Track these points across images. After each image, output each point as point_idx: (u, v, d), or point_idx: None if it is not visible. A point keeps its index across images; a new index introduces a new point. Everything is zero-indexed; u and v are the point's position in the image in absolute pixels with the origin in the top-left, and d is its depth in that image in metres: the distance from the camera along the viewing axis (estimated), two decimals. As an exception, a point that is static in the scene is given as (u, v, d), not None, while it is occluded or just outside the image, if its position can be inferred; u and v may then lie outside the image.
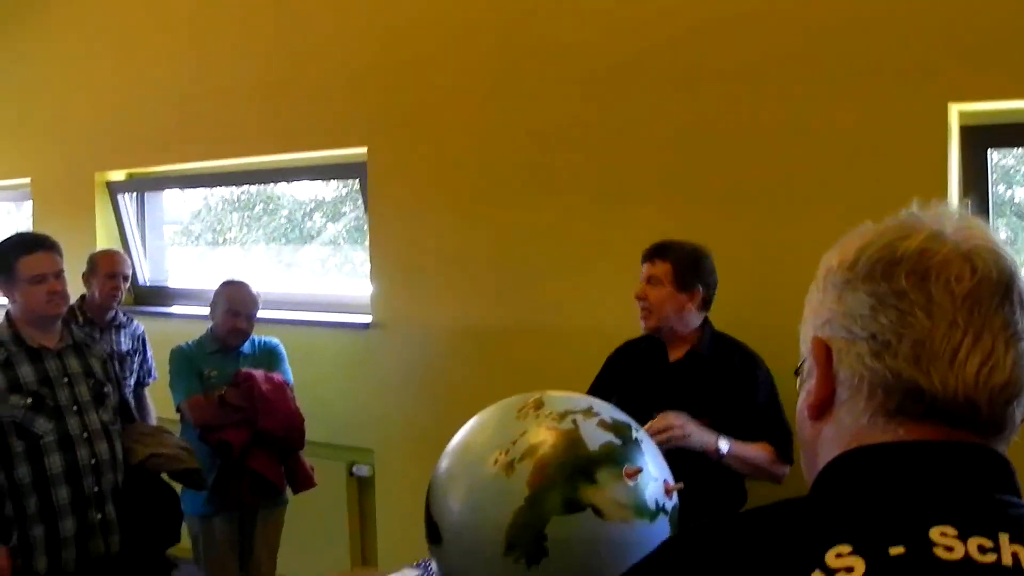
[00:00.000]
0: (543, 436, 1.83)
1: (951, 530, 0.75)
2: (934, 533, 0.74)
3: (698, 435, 2.63)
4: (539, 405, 1.91)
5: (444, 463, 1.98)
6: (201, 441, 3.72)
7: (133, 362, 4.32)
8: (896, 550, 0.74)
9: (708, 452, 2.65)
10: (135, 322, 4.44)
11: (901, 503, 0.79)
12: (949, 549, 0.74)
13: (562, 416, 1.86)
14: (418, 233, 4.22)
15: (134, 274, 5.59)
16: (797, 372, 0.97)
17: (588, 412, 1.89)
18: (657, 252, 2.93)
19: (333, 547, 4.49)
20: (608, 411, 1.94)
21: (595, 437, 1.83)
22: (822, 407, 0.91)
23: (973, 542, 0.74)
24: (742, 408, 2.79)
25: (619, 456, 1.82)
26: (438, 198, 4.14)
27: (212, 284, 4.06)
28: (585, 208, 3.73)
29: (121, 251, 4.64)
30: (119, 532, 3.10)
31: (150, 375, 4.45)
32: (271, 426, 3.74)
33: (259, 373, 3.81)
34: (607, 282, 3.13)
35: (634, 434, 1.91)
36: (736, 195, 3.37)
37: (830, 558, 0.74)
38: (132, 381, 4.28)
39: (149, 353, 4.45)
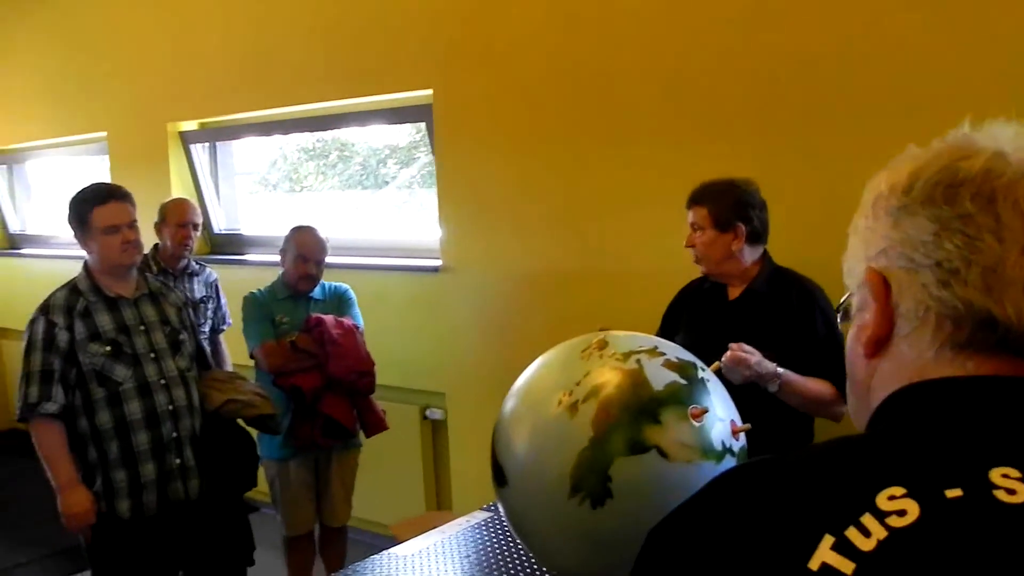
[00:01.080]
0: (607, 376, 1.80)
1: (1014, 472, 0.69)
2: (995, 475, 0.69)
3: (761, 366, 2.59)
4: (603, 345, 1.89)
5: (508, 405, 1.98)
6: (275, 386, 3.77)
7: (207, 309, 4.38)
8: (953, 492, 0.68)
9: (765, 381, 2.60)
10: (207, 269, 4.50)
11: (961, 442, 0.74)
12: (1011, 492, 0.68)
13: (626, 356, 1.84)
14: (485, 176, 4.20)
15: (208, 222, 5.68)
16: (840, 309, 0.93)
17: (653, 352, 1.86)
18: (694, 198, 2.88)
19: (408, 490, 4.55)
20: (673, 351, 1.91)
21: (660, 377, 1.80)
22: (879, 343, 0.85)
23: None
24: (800, 344, 2.72)
25: (685, 396, 1.79)
26: (504, 140, 4.11)
27: (287, 231, 4.07)
28: (652, 149, 3.66)
29: (191, 200, 4.68)
30: (198, 477, 3.18)
31: (224, 322, 4.51)
32: (341, 371, 3.77)
33: (329, 318, 3.84)
34: (673, 224, 3.08)
35: (700, 374, 1.87)
36: (804, 130, 3.28)
37: (882, 500, 0.69)
38: (207, 328, 4.34)
39: (223, 300, 4.51)
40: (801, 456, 0.80)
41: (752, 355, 2.54)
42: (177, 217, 4.26)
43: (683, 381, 1.82)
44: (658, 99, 3.63)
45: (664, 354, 1.87)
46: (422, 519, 3.93)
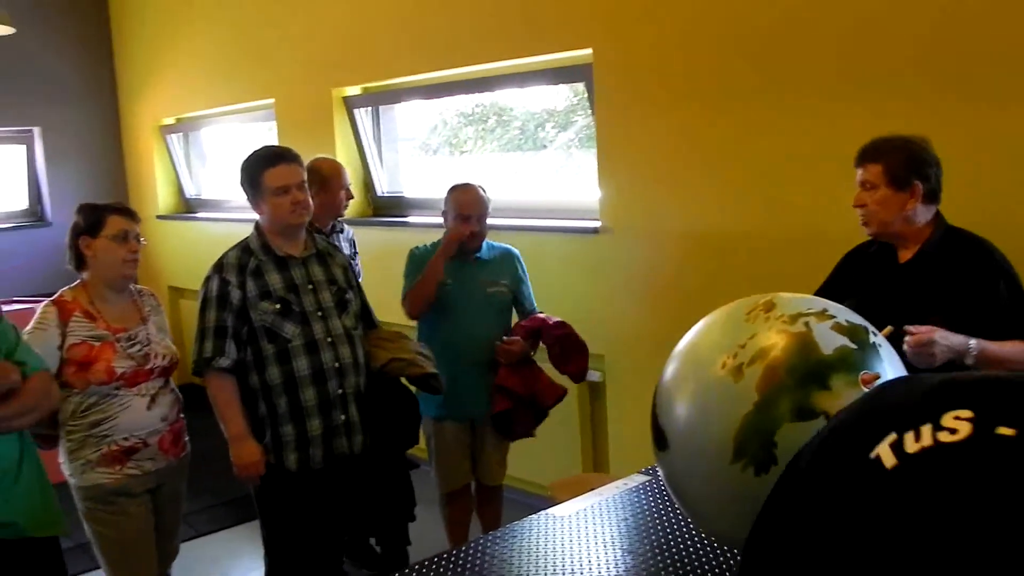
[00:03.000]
0: (773, 339, 1.74)
1: None
2: None
3: (948, 339, 2.46)
4: (769, 307, 1.82)
5: (671, 367, 1.94)
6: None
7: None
8: (1006, 431, 0.76)
9: (958, 356, 2.47)
10: (348, 227, 4.56)
11: None
12: None
13: (794, 318, 1.77)
14: (645, 136, 4.13)
15: (372, 186, 5.80)
16: None
17: (822, 314, 1.79)
18: (866, 155, 2.72)
19: (565, 452, 4.57)
20: (844, 313, 1.83)
21: (829, 340, 1.73)
22: None
23: None
24: (983, 307, 2.57)
25: (855, 361, 1.71)
26: (666, 99, 4.03)
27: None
28: (818, 107, 3.53)
29: (339, 162, 4.76)
30: (362, 433, 3.27)
31: (358, 276, 4.57)
32: (575, 368, 3.89)
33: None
34: (840, 185, 2.96)
35: (872, 338, 1.79)
36: (983, 87, 3.10)
37: (947, 418, 0.78)
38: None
39: (357, 257, 4.58)
40: (926, 376, 0.91)
41: (932, 331, 2.43)
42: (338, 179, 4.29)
43: (854, 345, 1.74)
44: (829, 54, 3.49)
45: (834, 317, 1.79)
46: (578, 480, 3.94)
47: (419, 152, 6.28)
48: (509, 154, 5.86)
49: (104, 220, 3.13)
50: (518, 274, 4.01)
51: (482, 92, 5.37)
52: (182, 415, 3.37)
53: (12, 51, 7.32)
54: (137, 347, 3.15)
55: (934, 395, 0.83)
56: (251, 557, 4.55)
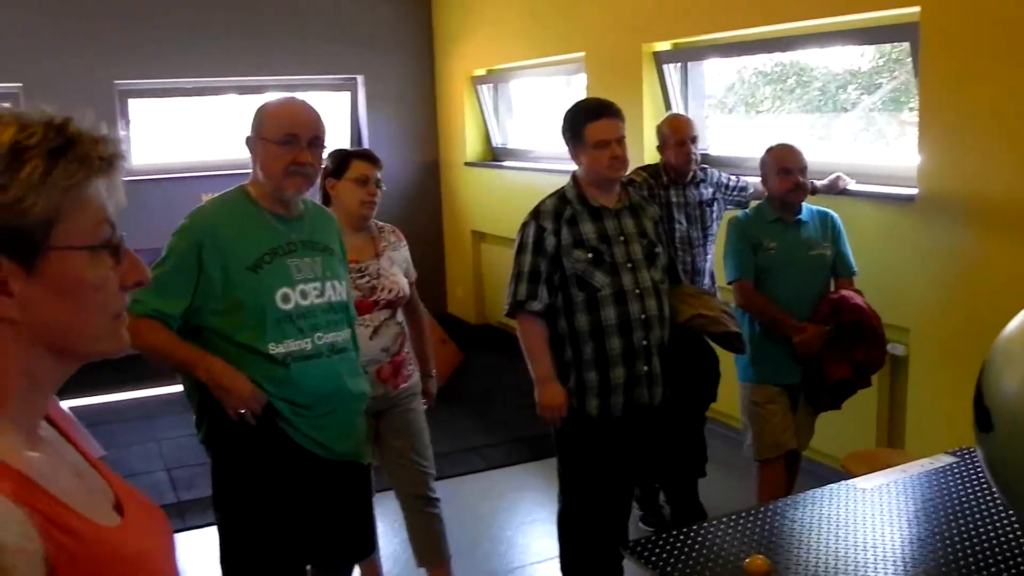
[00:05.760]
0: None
1: None
2: None
3: None
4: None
5: (1001, 344, 1.87)
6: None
7: (714, 211, 4.42)
8: None
9: None
10: (710, 170, 4.53)
11: None
12: None
13: None
14: (976, 100, 3.89)
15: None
16: None
17: None
18: None
19: (859, 424, 4.44)
20: None
21: None
22: None
23: None
24: None
25: None
26: (1006, 61, 3.77)
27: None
28: None
29: (685, 116, 4.74)
30: (662, 385, 3.33)
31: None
32: (864, 357, 3.78)
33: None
34: None
35: None
36: None
37: None
38: (715, 230, 4.40)
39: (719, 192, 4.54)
40: None
41: None
42: (676, 135, 4.30)
43: None
44: None
45: None
46: (875, 455, 3.85)
47: (714, 111, 6.23)
48: (807, 115, 5.71)
49: (348, 164, 3.41)
50: (839, 236, 3.96)
51: (795, 50, 5.24)
52: (406, 348, 3.52)
53: (341, 3, 7.91)
54: (366, 279, 3.37)
55: None
56: (539, 493, 4.77)
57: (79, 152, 1.00)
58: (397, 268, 3.49)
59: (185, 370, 2.65)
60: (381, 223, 3.59)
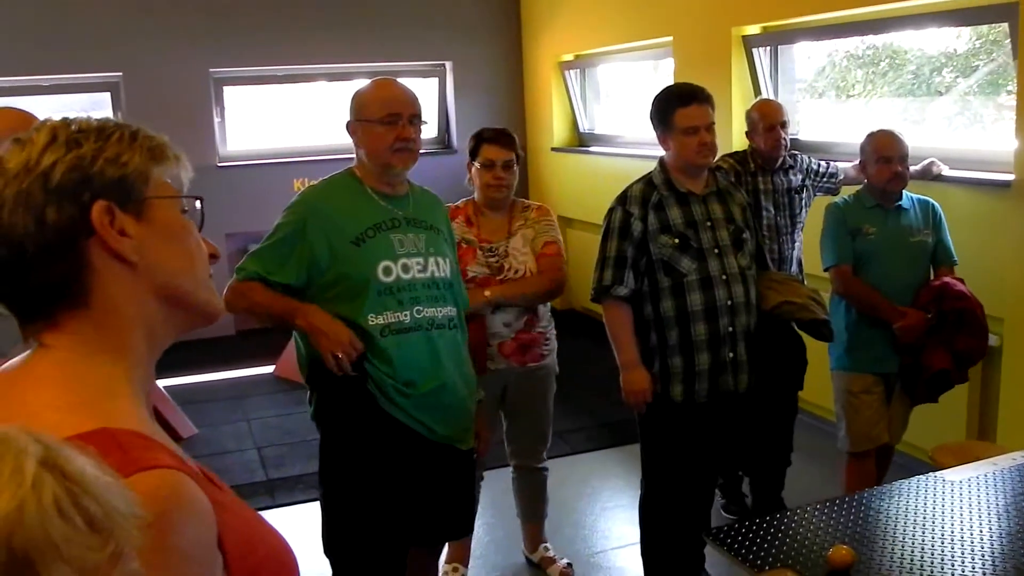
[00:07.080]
0: None
1: None
2: None
3: None
4: None
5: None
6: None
7: (804, 198, 4.37)
8: None
9: None
10: (801, 157, 4.46)
11: None
12: None
13: None
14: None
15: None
16: None
17: None
18: None
19: (949, 416, 4.35)
20: None
21: None
22: None
23: None
24: None
25: None
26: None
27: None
28: None
29: (774, 101, 4.70)
30: (748, 372, 3.31)
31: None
32: (966, 346, 3.71)
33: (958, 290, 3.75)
34: None
35: None
36: None
37: None
38: (803, 217, 4.35)
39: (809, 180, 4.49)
40: None
41: None
42: (766, 120, 4.25)
43: None
44: None
45: None
46: (963, 447, 3.77)
47: (804, 95, 6.13)
48: (900, 99, 5.59)
49: (479, 149, 3.56)
50: (940, 224, 3.88)
51: (879, 34, 5.15)
52: (538, 329, 3.59)
53: (431, -10, 8.00)
54: (495, 258, 3.51)
55: None
56: (621, 479, 4.78)
57: (144, 136, 1.12)
58: (529, 248, 3.58)
59: (285, 322, 2.72)
60: (528, 202, 3.78)
